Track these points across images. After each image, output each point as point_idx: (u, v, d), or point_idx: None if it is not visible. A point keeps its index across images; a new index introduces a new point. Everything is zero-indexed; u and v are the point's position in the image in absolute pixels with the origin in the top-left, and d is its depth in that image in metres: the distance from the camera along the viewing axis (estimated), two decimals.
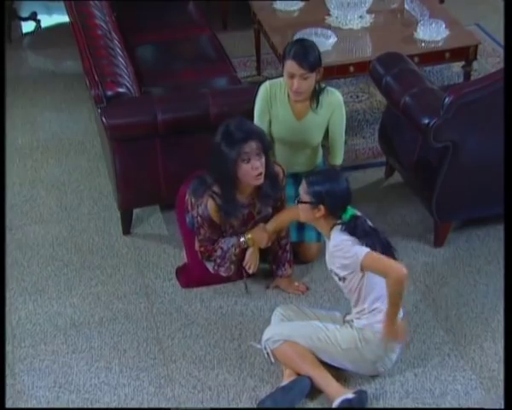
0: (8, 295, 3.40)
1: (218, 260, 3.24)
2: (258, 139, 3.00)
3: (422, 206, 3.69)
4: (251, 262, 3.24)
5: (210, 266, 3.28)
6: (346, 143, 3.74)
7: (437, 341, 3.13)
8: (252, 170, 3.00)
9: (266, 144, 3.05)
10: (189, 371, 3.03)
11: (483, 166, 3.36)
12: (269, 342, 2.90)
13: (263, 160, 3.03)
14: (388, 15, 4.54)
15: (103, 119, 3.34)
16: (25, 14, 5.75)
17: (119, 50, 3.80)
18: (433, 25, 4.26)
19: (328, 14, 4.45)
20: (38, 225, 3.83)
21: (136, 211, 3.78)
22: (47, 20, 5.88)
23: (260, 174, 3.03)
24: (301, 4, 4.67)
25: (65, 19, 4.65)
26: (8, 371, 3.02)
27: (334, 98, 3.35)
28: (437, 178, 3.38)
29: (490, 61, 4.97)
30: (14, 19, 5.61)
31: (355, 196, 3.90)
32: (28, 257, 3.64)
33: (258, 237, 3.20)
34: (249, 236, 3.20)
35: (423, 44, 4.23)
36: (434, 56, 4.24)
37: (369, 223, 2.92)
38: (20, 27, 5.70)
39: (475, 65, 4.44)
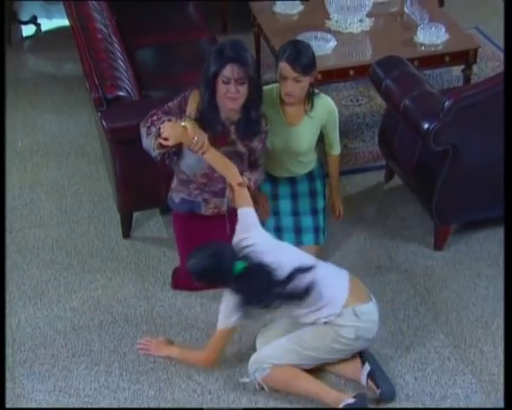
0: (7, 298, 3.39)
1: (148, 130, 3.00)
2: (245, 66, 2.89)
3: (422, 209, 3.68)
4: (168, 131, 2.88)
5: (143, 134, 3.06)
6: (346, 146, 3.74)
7: (437, 344, 3.12)
8: (227, 92, 2.92)
9: (254, 76, 2.94)
10: (189, 374, 3.02)
11: (483, 169, 3.36)
12: (257, 373, 2.88)
13: (243, 88, 2.92)
14: (388, 19, 4.53)
15: (103, 122, 3.34)
16: (25, 17, 5.75)
17: (119, 53, 3.80)
18: (433, 28, 4.25)
19: (328, 18, 4.44)
20: (38, 228, 3.83)
21: (135, 214, 3.78)
22: (47, 24, 5.87)
23: (235, 99, 2.93)
24: (301, 7, 4.66)
25: (65, 22, 4.64)
26: (8, 375, 3.01)
27: (329, 104, 3.29)
28: (437, 181, 3.38)
29: (490, 65, 4.97)
30: (15, 22, 5.60)
31: (355, 199, 3.94)
32: (28, 260, 3.63)
33: (198, 132, 2.91)
34: (187, 123, 2.92)
35: (423, 48, 4.22)
36: (434, 60, 4.24)
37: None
38: (20, 31, 5.70)
39: (475, 68, 4.44)
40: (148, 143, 2.99)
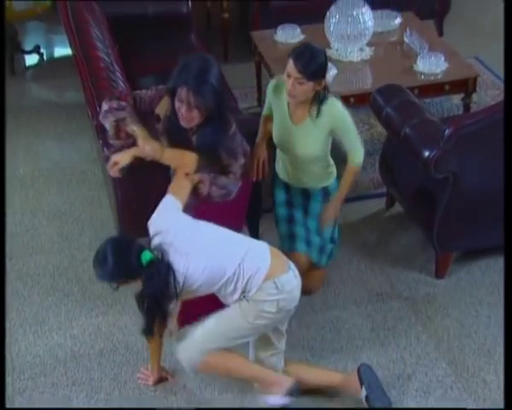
0: (8, 325, 3.36)
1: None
2: (199, 96, 2.77)
3: (423, 236, 3.67)
4: (120, 157, 2.90)
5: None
6: None
7: (439, 373, 3.09)
8: (179, 110, 2.86)
9: (212, 106, 2.81)
10: (190, 401, 2.99)
11: (483, 196, 3.35)
12: (191, 366, 2.81)
13: (195, 114, 2.83)
14: (388, 48, 4.56)
15: (104, 149, 3.33)
16: (28, 47, 5.78)
17: (120, 82, 3.80)
18: (433, 57, 4.27)
19: (329, 47, 4.46)
20: (39, 255, 3.81)
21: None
22: (50, 53, 5.91)
23: (185, 119, 2.86)
24: (302, 36, 4.68)
25: (67, 51, 4.66)
26: (7, 404, 2.97)
27: (335, 109, 3.15)
28: (437, 209, 3.37)
29: (489, 94, 4.98)
30: (18, 52, 5.63)
31: (356, 226, 3.93)
32: (29, 287, 3.61)
33: (149, 142, 2.88)
34: (137, 131, 2.90)
35: (423, 76, 4.24)
36: (434, 88, 4.25)
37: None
38: (23, 60, 5.72)
39: (475, 97, 4.45)
40: (105, 123, 2.99)
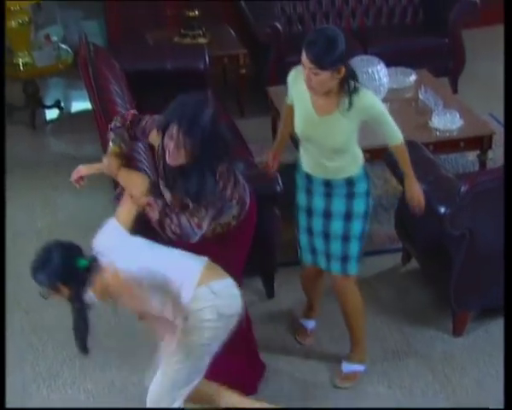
0: (21, 379, 3.33)
1: None
2: (186, 134, 2.69)
3: (440, 293, 3.63)
4: (85, 168, 3.01)
5: None
6: None
7: None
8: (167, 146, 2.80)
9: (193, 147, 2.72)
10: None
11: (500, 254, 3.31)
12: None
13: (182, 152, 2.74)
14: (403, 104, 4.58)
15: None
16: (49, 102, 5.88)
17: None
18: (448, 114, 4.29)
19: None
20: (55, 308, 3.79)
21: None
22: (70, 108, 6.00)
23: (171, 156, 2.78)
24: None
25: (87, 106, 4.74)
26: None
27: (367, 101, 2.93)
28: (454, 266, 3.34)
29: None
30: (39, 107, 5.72)
31: (372, 281, 3.89)
32: (44, 341, 3.59)
33: (110, 160, 2.92)
34: (113, 148, 2.94)
35: (438, 133, 4.25)
36: (449, 145, 4.26)
37: None
38: (44, 115, 5.81)
39: (490, 154, 4.45)
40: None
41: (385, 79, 4.41)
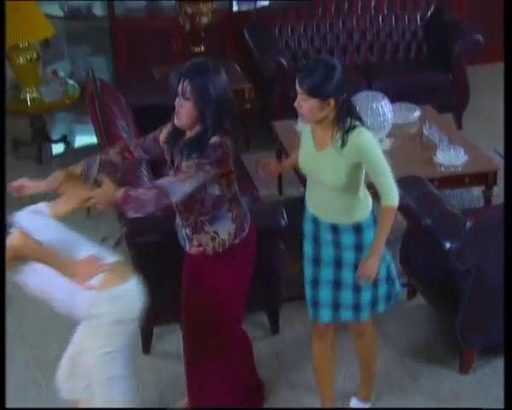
0: None
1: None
2: (194, 86, 2.73)
3: (447, 329, 3.60)
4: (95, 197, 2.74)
5: None
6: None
7: None
8: (176, 107, 2.80)
9: (204, 98, 2.74)
10: None
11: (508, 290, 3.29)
12: None
13: (186, 104, 2.76)
14: (407, 140, 4.60)
15: (124, 229, 3.32)
16: (55, 136, 5.91)
17: (144, 170, 3.86)
18: (452, 150, 4.30)
19: None
20: (58, 344, 3.76)
21: (156, 329, 3.72)
22: (76, 142, 6.02)
23: (177, 114, 2.80)
24: None
25: (93, 140, 4.75)
26: None
27: (362, 141, 2.83)
28: (460, 302, 3.32)
29: None
30: (46, 141, 5.75)
31: (377, 316, 3.85)
32: (47, 376, 3.56)
33: (101, 193, 2.74)
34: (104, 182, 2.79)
35: (443, 168, 4.26)
36: (454, 180, 4.26)
37: None
38: (50, 149, 5.83)
39: (495, 190, 4.44)
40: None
41: (389, 115, 4.43)
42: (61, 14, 6.39)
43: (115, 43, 6.34)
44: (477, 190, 4.70)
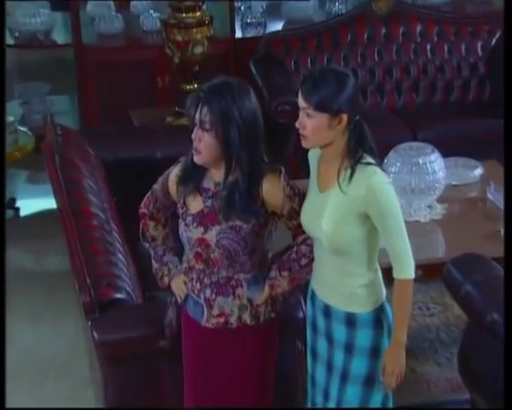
0: None
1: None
2: (213, 113, 2.82)
3: None
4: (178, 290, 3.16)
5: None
6: (414, 370, 3.66)
7: None
8: (193, 141, 2.88)
9: (225, 131, 2.84)
10: None
11: None
12: None
13: (207, 137, 2.84)
14: (466, 206, 4.63)
15: (94, 333, 3.35)
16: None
17: (118, 245, 3.89)
18: None
19: None
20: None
21: None
22: (27, 207, 6.07)
23: (196, 149, 2.87)
24: None
25: (51, 205, 4.80)
26: None
27: (375, 182, 2.84)
28: None
29: None
30: None
31: None
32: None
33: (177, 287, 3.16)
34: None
35: None
36: None
37: None
38: None
39: None
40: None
41: (441, 173, 4.46)
42: (11, 41, 6.51)
43: (82, 78, 6.41)
44: None
